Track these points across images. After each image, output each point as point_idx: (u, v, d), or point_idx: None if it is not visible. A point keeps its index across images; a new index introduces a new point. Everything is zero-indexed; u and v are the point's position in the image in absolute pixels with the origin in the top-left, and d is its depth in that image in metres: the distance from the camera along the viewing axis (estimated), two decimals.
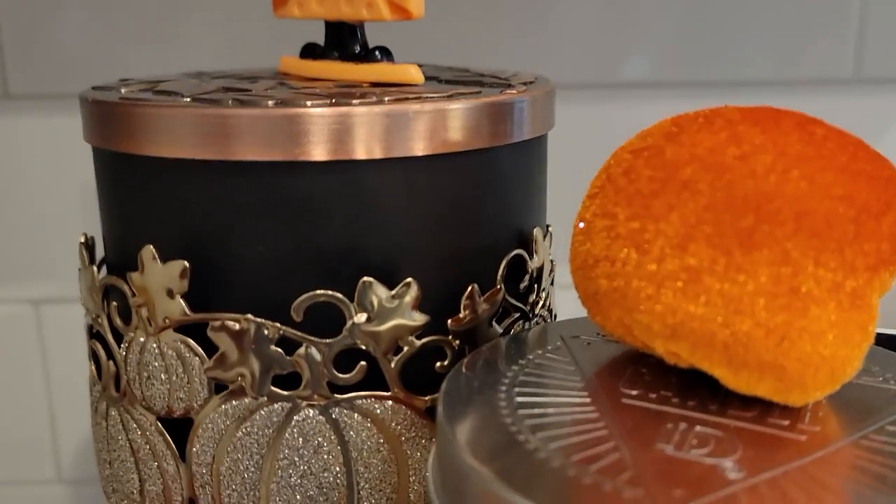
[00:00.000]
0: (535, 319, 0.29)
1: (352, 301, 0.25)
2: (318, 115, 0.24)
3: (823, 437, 0.20)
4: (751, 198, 0.20)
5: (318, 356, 0.25)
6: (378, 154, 0.24)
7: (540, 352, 0.25)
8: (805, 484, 0.18)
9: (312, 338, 0.25)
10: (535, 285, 0.29)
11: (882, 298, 0.21)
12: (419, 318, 0.25)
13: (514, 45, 0.50)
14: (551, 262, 0.30)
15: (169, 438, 0.26)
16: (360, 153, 0.24)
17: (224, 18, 0.46)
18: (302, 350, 0.25)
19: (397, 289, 0.25)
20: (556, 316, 0.31)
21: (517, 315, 0.28)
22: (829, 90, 0.54)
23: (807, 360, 0.20)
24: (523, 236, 0.28)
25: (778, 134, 0.22)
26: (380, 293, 0.25)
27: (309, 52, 0.31)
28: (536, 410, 0.21)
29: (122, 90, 0.28)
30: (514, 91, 0.27)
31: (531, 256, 0.28)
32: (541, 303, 0.29)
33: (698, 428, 0.21)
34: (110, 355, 0.27)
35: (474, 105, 0.25)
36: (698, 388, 0.22)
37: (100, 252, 0.29)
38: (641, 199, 0.21)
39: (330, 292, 0.25)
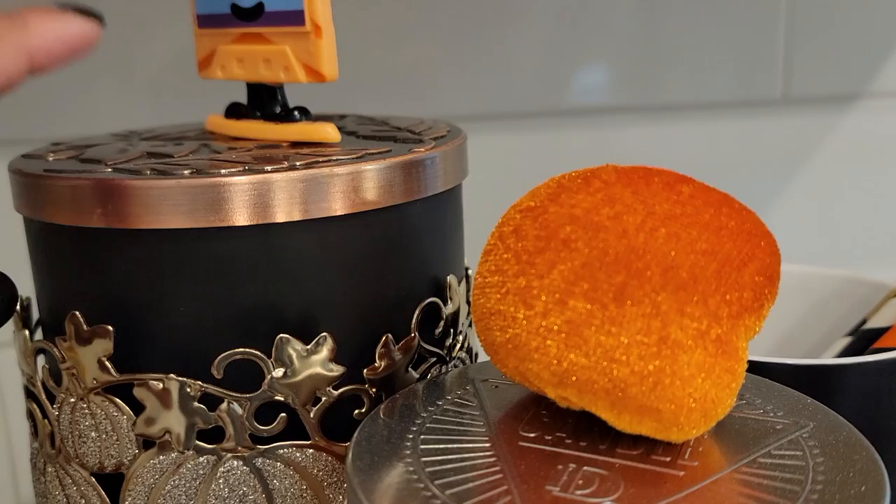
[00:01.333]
0: (453, 362, 0.30)
1: (269, 357, 0.26)
2: (236, 182, 0.25)
3: (700, 472, 0.22)
4: (622, 255, 0.22)
5: (239, 410, 0.26)
6: (296, 217, 0.26)
7: (450, 397, 0.26)
8: None
9: (233, 393, 0.26)
10: (451, 329, 0.30)
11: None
12: (335, 370, 0.27)
13: (454, 78, 0.51)
14: (468, 304, 0.32)
15: (103, 492, 0.27)
16: (280, 217, 0.26)
17: (155, 77, 0.47)
18: (224, 405, 0.26)
19: (312, 343, 0.26)
20: (476, 356, 0.33)
21: (434, 360, 0.29)
22: (758, 111, 0.56)
23: (679, 402, 0.22)
24: (438, 284, 0.30)
25: (648, 194, 0.24)
26: (296, 348, 0.26)
27: (233, 111, 0.33)
28: (438, 458, 0.23)
29: (50, 157, 0.29)
30: (423, 148, 0.28)
31: (445, 303, 0.30)
32: (458, 346, 0.31)
33: (586, 468, 0.22)
34: (45, 415, 0.28)
35: (385, 165, 0.27)
36: (591, 429, 0.24)
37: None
38: (527, 256, 0.23)
39: (248, 350, 0.26)
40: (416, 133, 0.31)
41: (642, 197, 0.23)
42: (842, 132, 0.57)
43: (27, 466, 0.54)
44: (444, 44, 0.51)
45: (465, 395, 0.26)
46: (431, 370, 0.29)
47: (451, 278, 0.30)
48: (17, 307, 0.30)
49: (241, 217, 0.25)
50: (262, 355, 0.26)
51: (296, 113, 0.31)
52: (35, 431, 0.29)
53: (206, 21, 0.32)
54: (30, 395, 0.29)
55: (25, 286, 0.32)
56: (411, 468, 0.22)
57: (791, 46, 0.55)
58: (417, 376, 0.29)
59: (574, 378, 0.22)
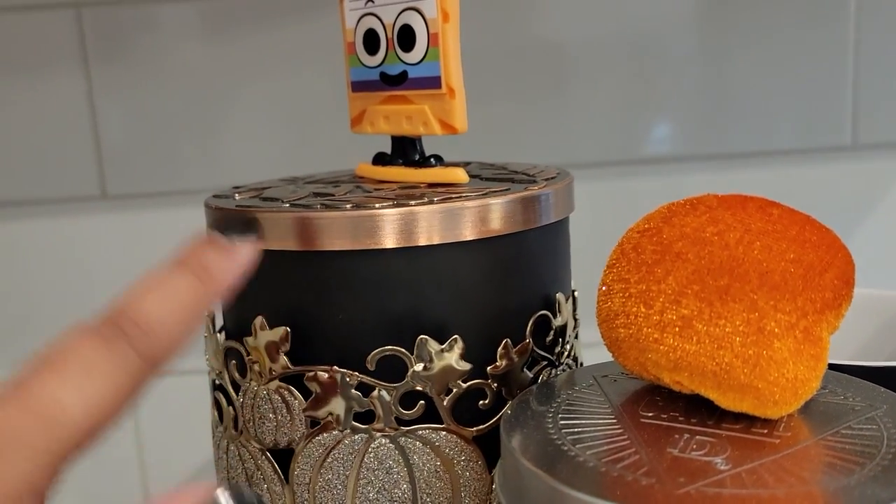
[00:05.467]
0: (562, 367, 0.36)
1: (412, 354, 0.32)
2: (387, 214, 0.32)
3: (793, 440, 0.27)
4: (725, 263, 0.28)
5: (387, 397, 0.32)
6: (435, 241, 0.32)
7: (577, 388, 0.32)
8: (776, 471, 0.25)
9: (383, 382, 0.32)
10: (560, 339, 0.36)
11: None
12: (464, 366, 0.33)
13: (543, 132, 0.57)
14: (575, 319, 0.37)
15: (276, 465, 0.34)
16: (421, 241, 0.32)
17: (311, 132, 0.55)
18: (375, 392, 0.32)
19: (446, 343, 0.32)
20: (581, 363, 0.38)
21: (545, 363, 0.35)
22: (827, 158, 0.59)
23: (774, 381, 0.27)
24: (549, 300, 0.36)
25: (744, 215, 0.29)
26: (433, 346, 0.32)
27: (379, 159, 0.39)
28: (576, 429, 0.28)
29: (237, 197, 0.37)
30: (537, 187, 0.34)
31: (555, 316, 0.35)
32: (566, 353, 0.36)
33: (698, 437, 0.27)
34: (230, 402, 0.35)
35: (507, 200, 0.33)
36: (700, 409, 0.29)
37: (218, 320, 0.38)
38: (646, 267, 0.29)
39: (395, 347, 0.32)
40: (530, 175, 0.37)
41: (740, 217, 0.29)
42: None
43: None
44: (530, 100, 0.57)
45: (589, 386, 0.32)
46: (543, 372, 0.35)
47: (559, 295, 0.36)
48: (208, 320, 0.37)
49: (390, 241, 0.32)
50: (406, 352, 0.32)
51: (432, 159, 0.37)
52: (220, 418, 0.36)
53: (359, 86, 0.39)
54: (217, 387, 0.36)
55: None
56: (554, 436, 0.28)
57: (859, 93, 0.58)
58: (531, 376, 0.34)
59: (687, 363, 0.28)
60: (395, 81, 0.37)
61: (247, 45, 0.57)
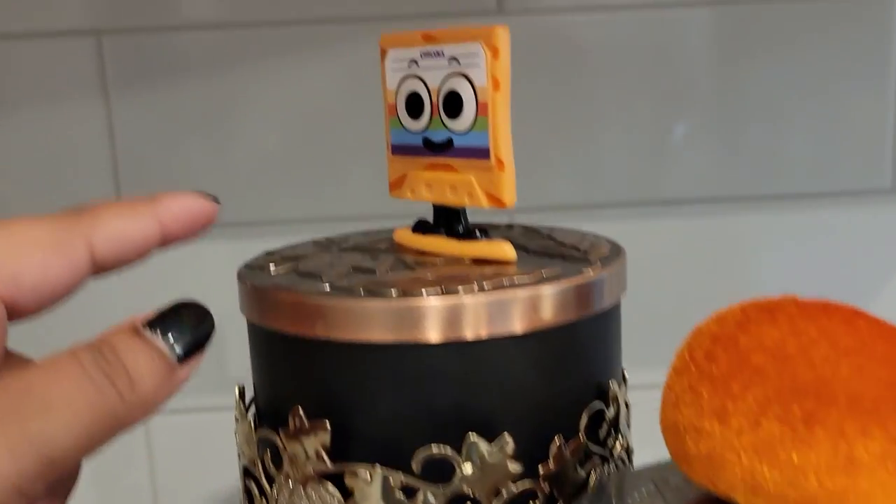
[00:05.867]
0: (613, 462, 0.34)
1: (459, 454, 0.30)
2: (433, 305, 0.30)
3: None
4: (811, 384, 0.26)
5: (433, 500, 0.30)
6: (482, 335, 0.30)
7: (636, 494, 0.30)
8: None
9: (429, 484, 0.30)
10: (613, 429, 0.34)
11: None
12: (515, 468, 0.31)
13: (569, 173, 0.55)
14: (627, 406, 0.35)
15: None
16: (468, 335, 0.30)
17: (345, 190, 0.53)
18: (420, 496, 0.30)
19: (496, 444, 0.30)
20: (632, 451, 0.36)
21: (598, 459, 0.33)
22: (868, 200, 0.57)
23: None
24: (601, 388, 0.33)
25: (829, 328, 0.27)
26: (482, 447, 0.30)
27: (421, 227, 0.37)
28: None
29: (271, 267, 0.35)
30: (592, 271, 0.32)
31: (608, 406, 0.33)
32: (618, 445, 0.34)
33: None
34: (262, 492, 0.33)
35: (561, 289, 0.31)
36: None
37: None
38: (722, 380, 0.27)
39: (443, 447, 0.30)
40: (580, 251, 0.35)
41: (824, 330, 0.27)
42: None
43: None
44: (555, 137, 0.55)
45: (650, 492, 0.30)
46: (595, 469, 0.33)
47: (613, 383, 0.34)
48: (238, 396, 0.35)
49: (435, 335, 0.30)
50: (455, 454, 0.30)
51: (477, 233, 0.35)
52: (250, 500, 0.34)
53: (399, 150, 0.37)
54: (248, 474, 0.34)
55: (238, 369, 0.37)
56: None
57: None
58: (584, 475, 0.32)
59: (766, 489, 0.26)
60: (439, 149, 0.35)
61: (265, 71, 0.55)
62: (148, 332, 0.24)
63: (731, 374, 0.27)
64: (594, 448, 0.33)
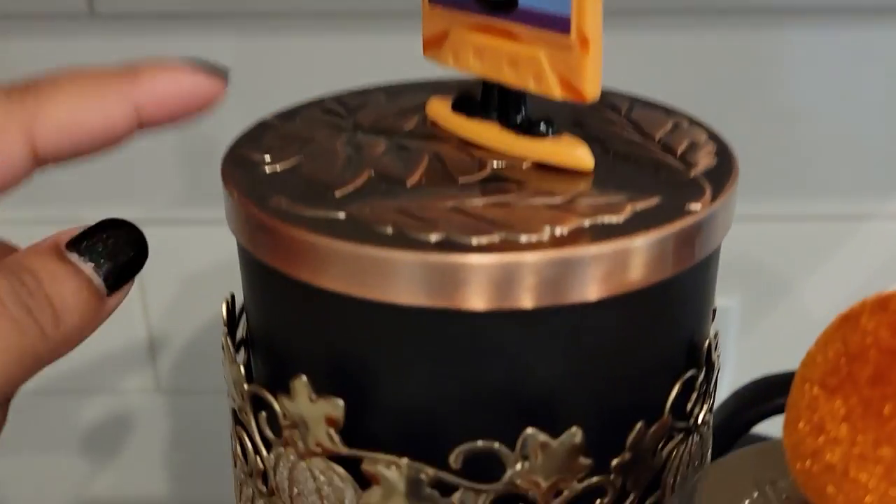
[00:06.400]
0: (697, 433, 0.27)
1: (512, 450, 0.23)
2: (481, 264, 0.22)
3: None
4: None
5: (474, 500, 0.24)
6: (546, 303, 0.22)
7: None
8: None
9: (470, 483, 0.24)
10: (703, 397, 0.27)
11: None
12: (582, 466, 0.24)
13: None
14: (717, 364, 0.28)
15: None
16: (527, 303, 0.22)
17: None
18: (458, 494, 0.24)
19: (561, 438, 0.23)
20: (714, 403, 0.29)
21: (681, 436, 0.26)
22: None
23: None
24: (693, 351, 0.26)
25: None
26: (542, 442, 0.23)
27: (464, 106, 0.28)
28: None
29: (267, 160, 0.26)
30: (699, 203, 0.24)
31: (700, 370, 0.26)
32: (704, 410, 0.27)
33: None
34: (257, 451, 0.26)
35: (658, 238, 0.23)
36: None
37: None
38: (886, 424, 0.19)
39: (490, 442, 0.23)
40: (679, 158, 0.27)
41: None
42: None
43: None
44: None
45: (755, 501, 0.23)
46: (677, 448, 0.26)
47: (708, 343, 0.26)
48: (224, 316, 0.28)
49: (483, 302, 0.22)
50: (505, 449, 0.23)
51: (542, 126, 0.26)
52: (243, 455, 0.27)
53: None
54: (238, 422, 0.27)
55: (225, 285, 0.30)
56: None
57: None
58: (664, 458, 0.26)
59: None
60: (498, 6, 0.26)
61: None
62: (75, 257, 0.22)
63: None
64: (679, 424, 0.26)
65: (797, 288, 0.54)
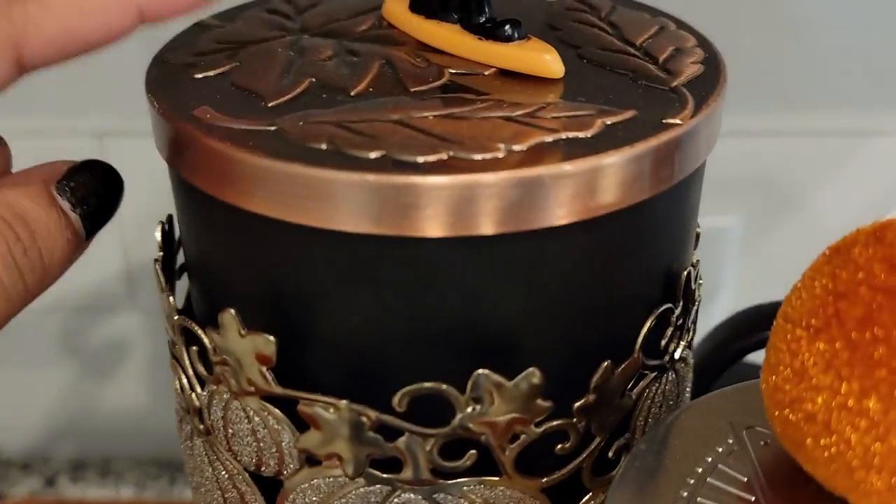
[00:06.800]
0: (673, 370, 0.25)
1: (463, 391, 0.21)
2: (434, 186, 0.19)
3: None
4: None
5: (421, 445, 0.22)
6: (506, 229, 0.20)
7: (710, 459, 0.21)
8: None
9: (416, 427, 0.21)
10: (679, 332, 0.24)
11: None
12: (540, 409, 0.21)
13: None
14: (697, 297, 0.25)
15: (258, 491, 0.24)
16: (485, 229, 0.20)
17: None
18: (404, 439, 0.21)
19: (517, 379, 0.21)
20: (693, 339, 0.27)
21: (653, 375, 0.24)
22: None
23: None
24: (669, 283, 0.23)
25: None
26: (496, 383, 0.21)
27: (422, 5, 0.25)
28: None
29: (198, 67, 0.23)
30: (679, 116, 0.21)
31: (677, 303, 0.24)
32: (681, 346, 0.25)
33: None
34: (192, 389, 0.24)
35: (632, 156, 0.20)
36: None
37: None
38: (886, 373, 0.17)
39: (437, 385, 0.21)
40: (661, 66, 0.24)
41: None
42: None
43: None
44: None
45: (732, 455, 0.21)
46: (649, 388, 0.24)
47: (685, 274, 0.24)
48: (160, 239, 0.25)
49: (436, 228, 0.19)
50: (455, 391, 0.21)
51: (507, 28, 0.23)
52: (181, 391, 0.25)
53: None
54: (174, 357, 0.25)
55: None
56: None
57: None
58: (633, 399, 0.23)
59: None
60: None
61: None
62: (65, 204, 0.21)
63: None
64: (652, 362, 0.23)
65: (805, 206, 0.51)
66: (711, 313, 0.44)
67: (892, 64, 0.46)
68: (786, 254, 0.52)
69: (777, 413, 0.19)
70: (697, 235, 0.26)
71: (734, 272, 0.54)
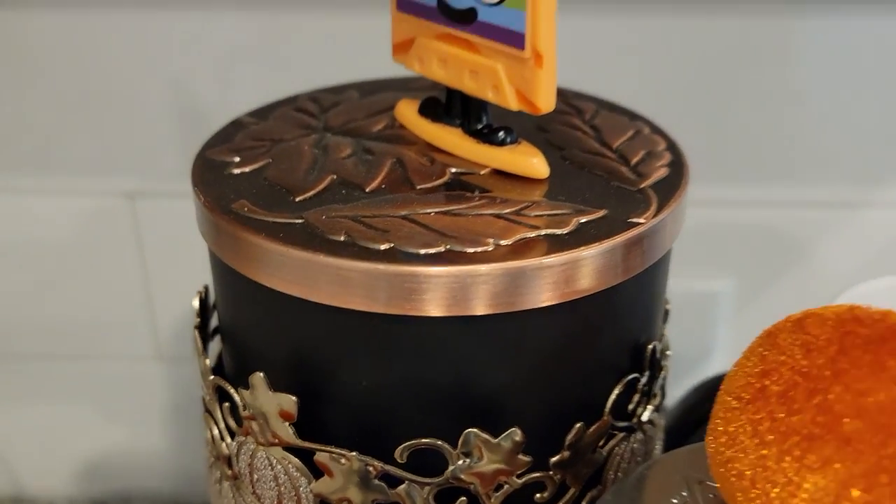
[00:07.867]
0: (640, 431, 0.28)
1: (455, 447, 0.25)
2: (434, 274, 0.23)
3: None
4: None
5: (419, 492, 0.25)
6: (496, 310, 0.23)
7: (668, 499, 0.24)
8: None
9: (415, 477, 0.25)
10: (646, 398, 0.28)
11: None
12: (521, 463, 0.25)
13: None
14: (664, 366, 0.29)
15: None
16: (478, 310, 0.23)
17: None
18: (404, 486, 0.25)
19: (502, 437, 0.25)
20: (663, 401, 0.31)
21: (622, 434, 0.27)
22: None
23: None
24: (637, 355, 0.27)
25: None
26: (484, 441, 0.25)
27: (429, 110, 0.29)
28: None
29: (235, 162, 0.27)
30: (645, 215, 0.25)
31: (643, 372, 0.27)
32: (648, 409, 0.28)
33: None
34: (223, 439, 0.28)
35: (604, 250, 0.24)
36: None
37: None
38: (798, 441, 0.20)
39: (434, 441, 0.25)
40: (633, 168, 0.27)
41: None
42: None
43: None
44: None
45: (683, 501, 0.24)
46: (619, 446, 0.27)
47: (651, 347, 0.27)
48: (198, 307, 0.29)
49: (436, 309, 0.23)
50: (448, 446, 0.25)
51: (501, 134, 0.27)
52: (212, 440, 0.29)
53: (408, 7, 0.28)
54: (206, 410, 0.29)
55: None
56: None
57: None
58: (605, 455, 0.27)
59: None
60: (459, 18, 0.27)
61: None
62: None
63: (812, 437, 0.20)
64: (620, 424, 0.27)
65: (795, 271, 0.54)
66: (707, 373, 0.47)
67: (879, 138, 0.49)
68: (778, 316, 0.55)
69: (718, 470, 0.22)
70: (666, 312, 0.30)
71: (728, 333, 0.57)
